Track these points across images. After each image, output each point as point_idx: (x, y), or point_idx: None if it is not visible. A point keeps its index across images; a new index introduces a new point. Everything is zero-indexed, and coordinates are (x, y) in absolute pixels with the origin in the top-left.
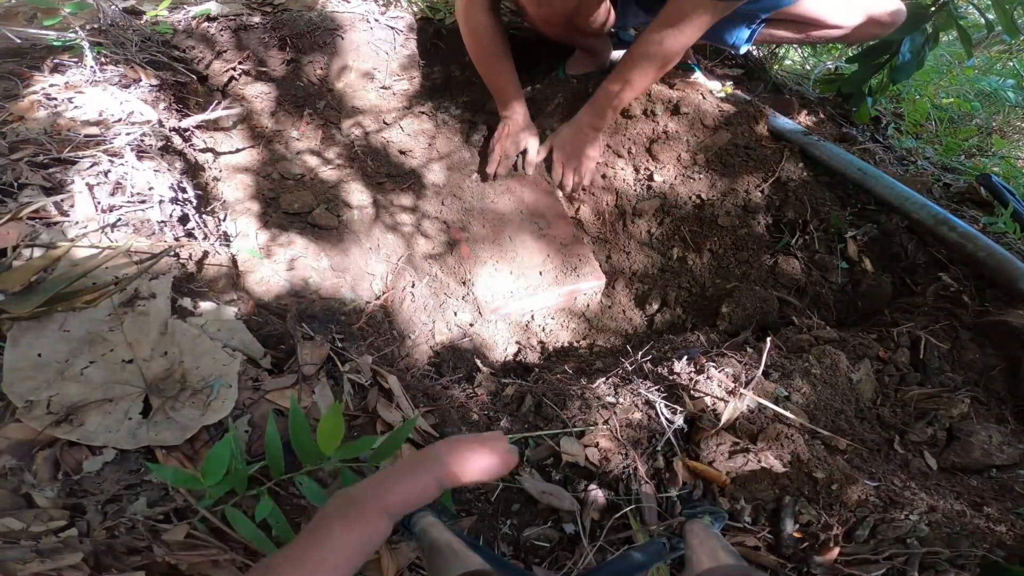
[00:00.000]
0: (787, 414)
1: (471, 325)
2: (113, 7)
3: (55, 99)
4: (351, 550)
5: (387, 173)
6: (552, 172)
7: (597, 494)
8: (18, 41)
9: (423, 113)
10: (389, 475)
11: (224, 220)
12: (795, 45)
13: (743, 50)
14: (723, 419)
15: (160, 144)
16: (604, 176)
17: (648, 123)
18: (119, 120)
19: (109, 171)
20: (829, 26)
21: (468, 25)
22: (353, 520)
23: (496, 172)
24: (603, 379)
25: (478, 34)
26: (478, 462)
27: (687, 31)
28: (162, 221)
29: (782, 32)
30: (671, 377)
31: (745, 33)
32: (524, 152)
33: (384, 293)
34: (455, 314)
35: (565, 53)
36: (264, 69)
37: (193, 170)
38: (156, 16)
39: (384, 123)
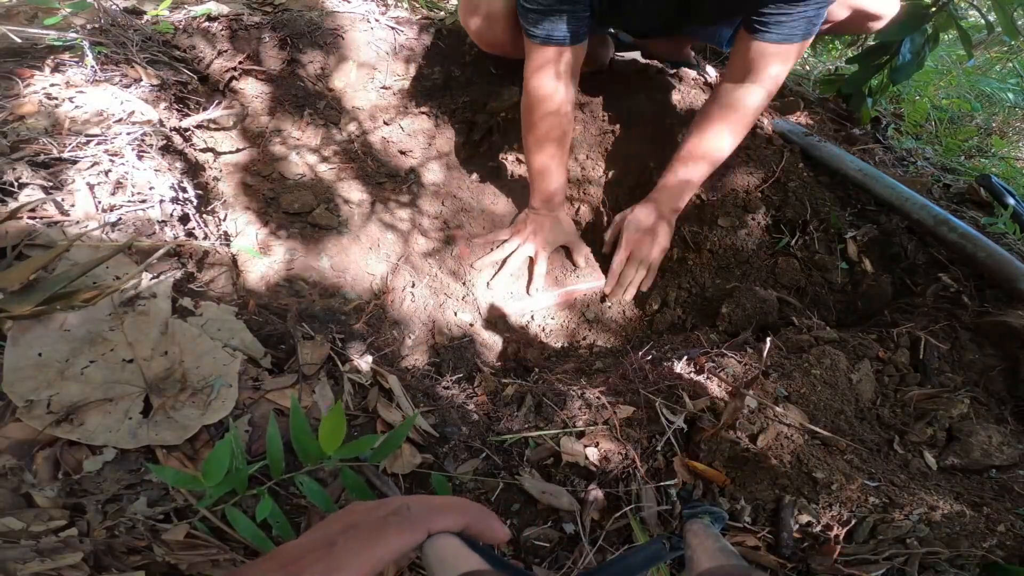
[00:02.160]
0: (787, 414)
1: (471, 325)
2: (114, 7)
3: (56, 99)
4: (395, 552)
5: (387, 173)
6: (615, 257)
7: (597, 494)
8: (18, 41)
9: (423, 113)
10: (441, 504)
11: (224, 220)
12: None
13: (727, 50)
14: (723, 419)
15: (160, 144)
16: (605, 176)
17: (648, 123)
18: (120, 120)
19: (110, 170)
20: None
21: (542, 91)
22: (404, 529)
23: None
24: (603, 379)
25: (550, 106)
26: (497, 530)
27: (767, 84)
28: (162, 221)
29: None
30: (671, 377)
31: (727, 33)
32: (570, 253)
33: (384, 293)
34: (455, 314)
35: None
36: (264, 69)
37: (193, 170)
38: (157, 16)
39: (384, 122)
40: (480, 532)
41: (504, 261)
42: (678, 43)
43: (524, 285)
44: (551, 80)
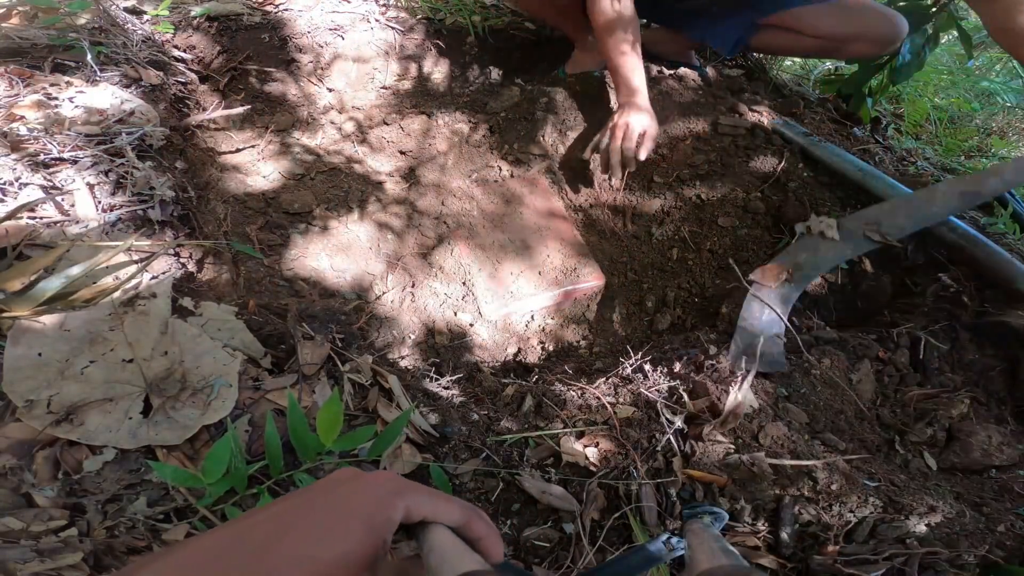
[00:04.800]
0: (787, 414)
1: (471, 325)
2: (114, 7)
3: (56, 98)
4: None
5: (387, 173)
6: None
7: (597, 494)
8: (18, 41)
9: (423, 113)
10: (447, 496)
11: (224, 219)
12: (793, 57)
13: (727, 55)
14: (721, 416)
15: (161, 143)
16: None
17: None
18: (120, 119)
19: (110, 170)
20: (818, 36)
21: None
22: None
23: (614, 171)
24: (603, 379)
25: (619, 7)
26: (495, 548)
27: None
28: (162, 220)
29: (774, 40)
30: (671, 377)
31: (732, 36)
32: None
33: (384, 293)
34: (455, 314)
35: (565, 53)
36: (264, 69)
37: (193, 169)
38: (157, 16)
39: (384, 122)
40: (476, 539)
41: (609, 151)
42: (680, 43)
43: (524, 285)
44: None
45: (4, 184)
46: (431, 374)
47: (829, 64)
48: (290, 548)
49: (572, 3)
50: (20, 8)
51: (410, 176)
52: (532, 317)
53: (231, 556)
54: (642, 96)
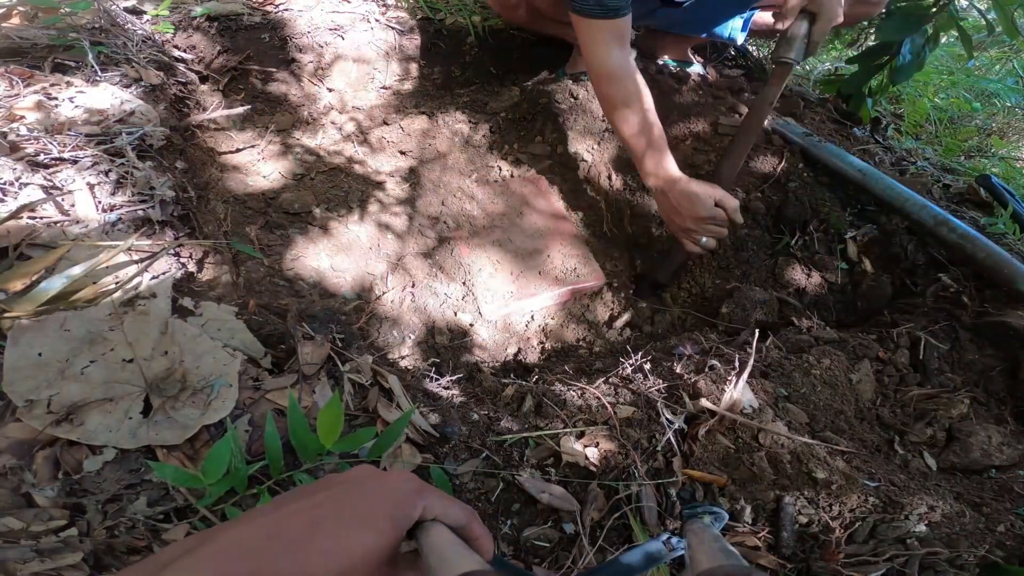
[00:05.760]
0: (787, 414)
1: (471, 325)
2: (114, 7)
3: (56, 98)
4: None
5: (387, 173)
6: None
7: (597, 494)
8: (18, 41)
9: (423, 113)
10: (450, 497)
11: (224, 219)
12: None
13: (740, 40)
14: (720, 410)
15: (161, 143)
16: (605, 176)
17: None
18: (120, 119)
19: (110, 170)
20: None
21: (612, 63)
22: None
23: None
24: (603, 379)
25: (624, 75)
26: (487, 547)
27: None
28: (162, 220)
29: (772, 17)
30: (671, 377)
31: (739, 22)
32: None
33: (384, 293)
34: (455, 314)
35: (565, 53)
36: (265, 69)
37: (194, 169)
38: (157, 16)
39: (384, 122)
40: (474, 539)
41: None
42: (679, 42)
43: (524, 285)
44: (617, 51)
45: (4, 184)
46: (431, 374)
47: (828, 64)
48: (323, 541)
49: (555, 12)
50: (20, 8)
51: (410, 176)
52: (532, 317)
53: (267, 548)
54: (674, 170)
